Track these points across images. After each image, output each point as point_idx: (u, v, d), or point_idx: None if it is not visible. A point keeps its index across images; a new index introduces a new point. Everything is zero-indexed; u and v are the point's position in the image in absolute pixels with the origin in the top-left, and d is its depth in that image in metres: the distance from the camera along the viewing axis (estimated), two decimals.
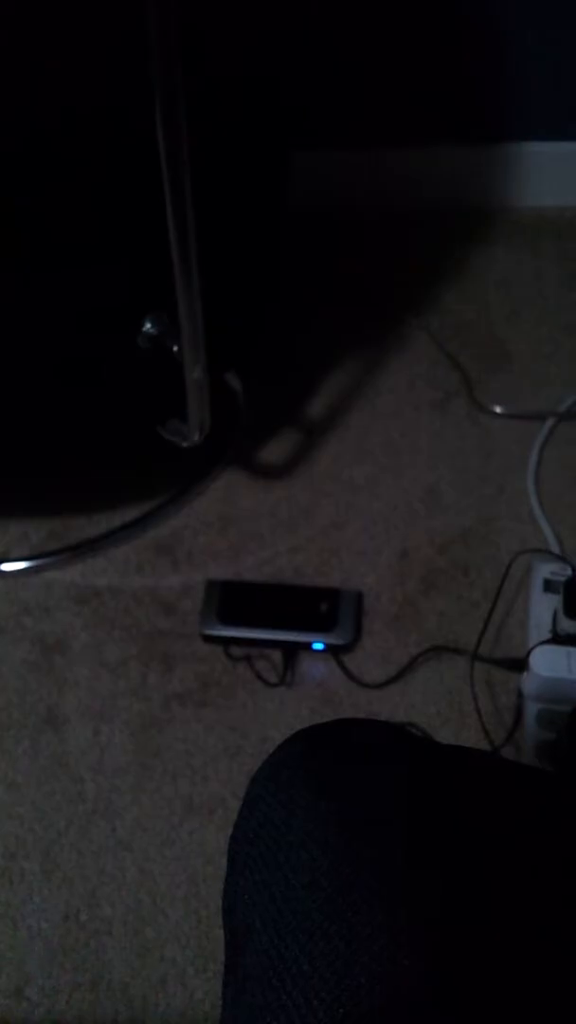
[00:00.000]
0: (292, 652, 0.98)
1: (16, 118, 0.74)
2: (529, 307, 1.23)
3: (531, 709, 0.89)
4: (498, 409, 1.13)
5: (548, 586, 0.96)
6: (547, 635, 0.93)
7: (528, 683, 0.89)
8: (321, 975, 0.41)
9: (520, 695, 0.91)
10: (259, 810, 0.49)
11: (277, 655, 0.98)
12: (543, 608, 0.95)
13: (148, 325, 0.81)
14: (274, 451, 1.12)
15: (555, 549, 1.01)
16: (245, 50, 0.91)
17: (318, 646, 0.97)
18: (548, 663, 0.87)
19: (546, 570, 0.98)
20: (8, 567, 1.05)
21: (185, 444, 0.92)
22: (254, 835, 0.48)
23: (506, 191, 1.30)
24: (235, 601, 1.00)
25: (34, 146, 0.76)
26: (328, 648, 0.97)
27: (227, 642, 0.99)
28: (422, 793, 0.48)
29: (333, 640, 0.97)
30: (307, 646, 0.98)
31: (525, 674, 0.89)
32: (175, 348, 0.81)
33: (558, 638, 0.92)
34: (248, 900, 0.47)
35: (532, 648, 0.89)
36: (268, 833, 0.47)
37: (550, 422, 1.11)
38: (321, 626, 0.98)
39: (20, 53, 0.72)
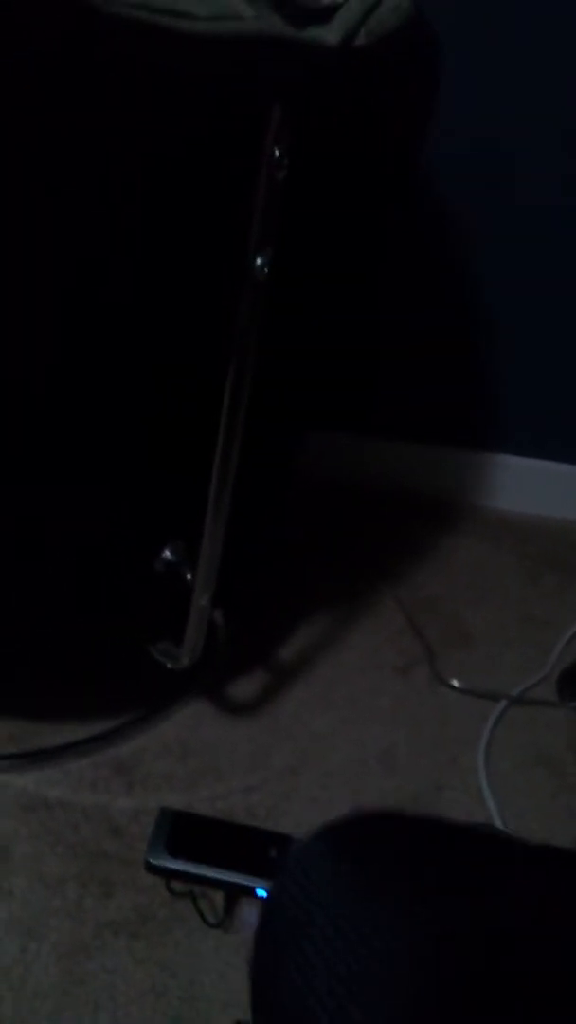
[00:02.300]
0: (235, 894, 0.97)
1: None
2: (491, 594, 1.34)
3: None
4: (456, 683, 1.20)
5: None
6: None
7: None
8: None
9: None
10: (288, 910, 0.48)
11: (219, 895, 0.97)
12: None
13: (167, 552, 0.88)
14: (242, 687, 1.16)
15: (500, 827, 1.05)
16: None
17: (262, 893, 0.97)
18: None
19: None
20: None
21: (172, 666, 0.96)
22: (288, 935, 0.47)
23: (478, 492, 1.46)
24: (185, 834, 1.00)
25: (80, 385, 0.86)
26: None
27: (171, 874, 0.98)
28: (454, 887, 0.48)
29: None
30: (251, 891, 0.97)
31: None
32: (189, 576, 0.87)
33: None
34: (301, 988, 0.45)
35: None
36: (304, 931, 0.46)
37: (503, 703, 1.18)
38: (268, 872, 0.98)
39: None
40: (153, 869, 0.98)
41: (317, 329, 1.31)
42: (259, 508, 1.21)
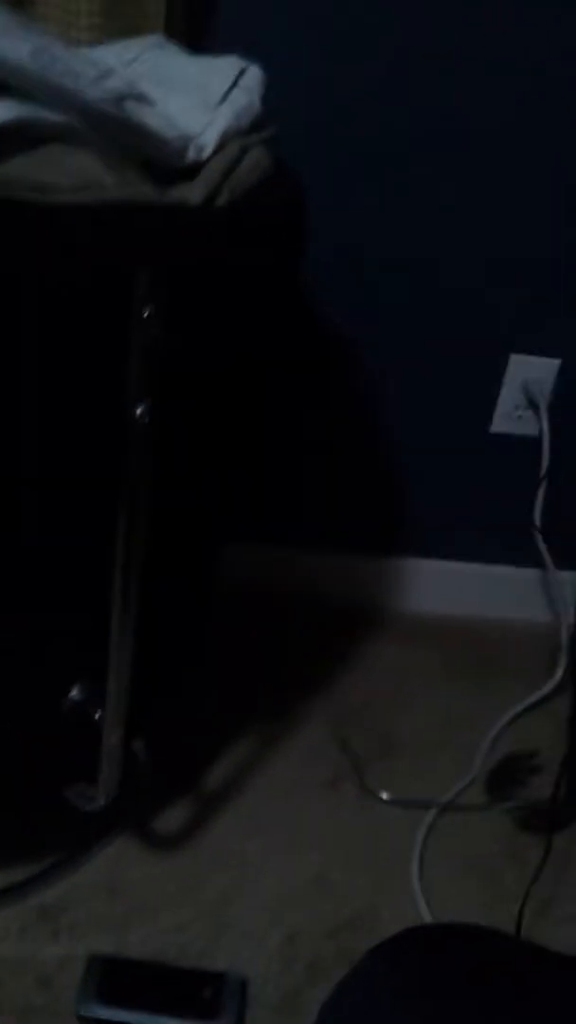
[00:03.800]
0: None
1: None
2: (413, 698, 1.34)
3: None
4: (385, 795, 1.19)
5: None
6: None
7: None
8: None
9: None
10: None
11: None
12: None
13: (75, 692, 0.88)
14: (168, 818, 1.14)
15: None
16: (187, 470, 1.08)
17: None
18: None
19: None
20: None
21: (88, 808, 0.94)
22: None
23: (394, 597, 1.48)
24: (116, 980, 0.97)
25: None
26: None
27: None
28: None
29: None
30: None
31: None
32: (97, 715, 0.86)
33: None
34: None
35: None
36: None
37: (433, 812, 1.18)
38: (204, 1014, 0.94)
39: None
40: (85, 1020, 0.94)
41: (228, 445, 1.34)
42: (176, 632, 1.21)
